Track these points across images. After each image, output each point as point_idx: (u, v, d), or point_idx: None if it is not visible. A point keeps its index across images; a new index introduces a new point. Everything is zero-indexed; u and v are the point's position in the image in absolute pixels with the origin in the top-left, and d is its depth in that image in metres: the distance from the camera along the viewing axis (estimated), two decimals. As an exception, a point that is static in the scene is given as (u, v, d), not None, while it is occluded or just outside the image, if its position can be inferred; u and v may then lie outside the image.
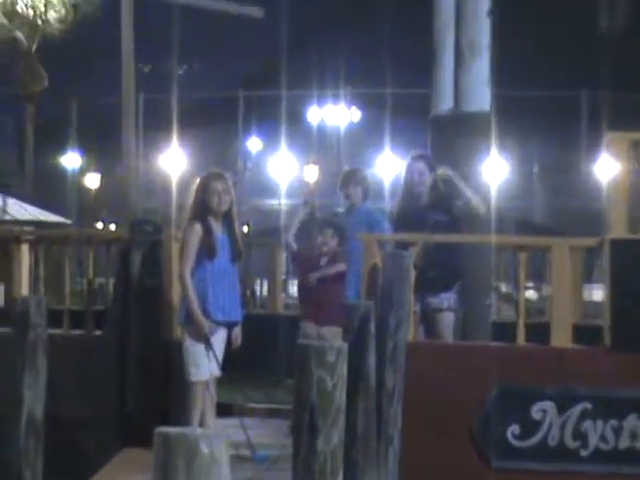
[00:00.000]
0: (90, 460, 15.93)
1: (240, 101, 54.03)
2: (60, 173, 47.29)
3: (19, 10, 63.79)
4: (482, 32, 24.15)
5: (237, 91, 55.08)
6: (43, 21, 63.53)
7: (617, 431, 16.43)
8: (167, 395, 15.74)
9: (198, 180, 16.77)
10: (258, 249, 21.59)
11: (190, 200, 16.40)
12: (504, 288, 19.67)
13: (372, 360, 14.36)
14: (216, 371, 15.73)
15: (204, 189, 16.26)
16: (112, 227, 28.00)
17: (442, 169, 20.62)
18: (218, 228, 15.99)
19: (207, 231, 15.83)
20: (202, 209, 16.05)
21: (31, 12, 64.77)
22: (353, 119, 56.82)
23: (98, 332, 18.61)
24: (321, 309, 16.46)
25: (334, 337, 12.88)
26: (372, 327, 14.56)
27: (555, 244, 18.38)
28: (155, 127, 31.74)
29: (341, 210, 20.34)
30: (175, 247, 16.60)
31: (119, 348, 17.68)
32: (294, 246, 18.91)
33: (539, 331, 17.87)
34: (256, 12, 37.29)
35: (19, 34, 63.81)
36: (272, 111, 42.27)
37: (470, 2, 24.10)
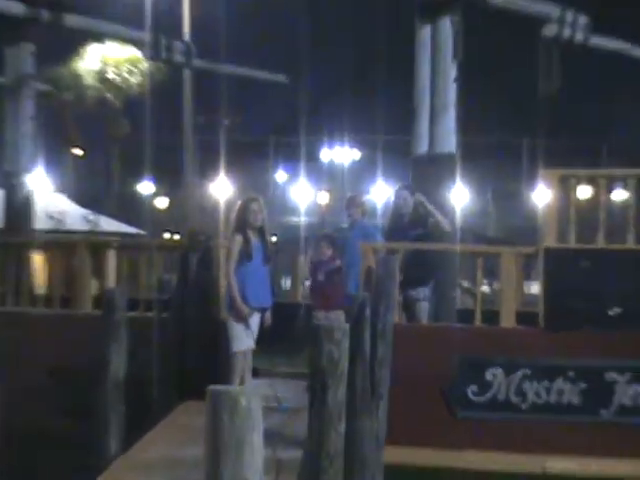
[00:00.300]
0: (159, 409, 16.09)
1: (270, 144, 53.91)
2: (138, 197, 47.15)
3: (109, 77, 63.86)
4: (450, 95, 24.28)
5: (268, 136, 54.81)
6: (127, 85, 63.59)
7: (548, 390, 16.56)
8: (215, 361, 15.85)
9: (239, 202, 17.13)
10: (283, 254, 21.55)
11: (233, 217, 16.71)
12: (466, 284, 19.77)
13: (367, 337, 14.54)
14: (252, 344, 15.99)
15: (244, 209, 16.62)
16: (176, 237, 28.05)
17: (417, 195, 20.83)
18: (254, 238, 16.29)
19: (246, 240, 16.16)
20: (242, 224, 16.36)
21: (118, 79, 64.80)
22: (354, 158, 56.78)
23: (164, 315, 18.73)
24: (327, 300, 16.62)
25: (338, 319, 12.98)
26: (367, 312, 14.76)
27: (504, 251, 18.53)
28: (208, 162, 31.62)
29: (345, 225, 20.67)
30: (222, 252, 16.75)
31: (179, 327, 17.86)
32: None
33: (491, 316, 18.02)
34: (281, 78, 37.04)
35: (109, 95, 63.90)
36: (294, 152, 42.18)
37: (441, 73, 24.21)
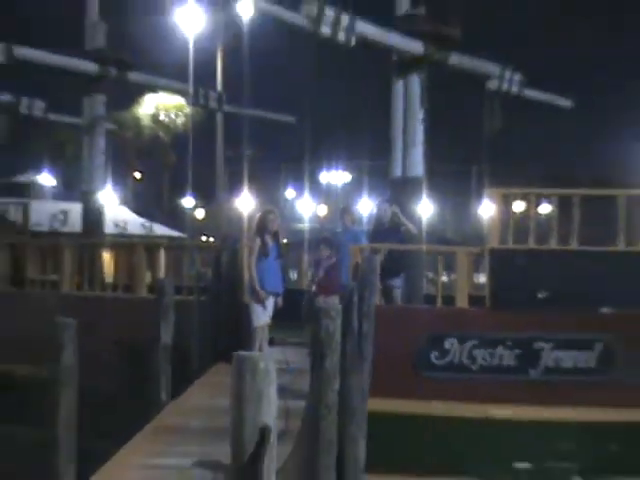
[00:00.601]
0: (197, 370, 16.09)
1: (282, 170, 53.96)
2: (181, 209, 47.13)
3: (161, 119, 63.88)
4: (418, 133, 24.24)
5: (280, 164, 54.76)
6: (174, 125, 63.56)
7: (491, 355, 16.53)
8: (240, 333, 15.84)
9: (259, 213, 17.31)
10: (292, 252, 21.46)
11: (255, 224, 16.83)
12: (430, 275, 19.75)
13: (355, 315, 14.49)
14: (268, 320, 16.09)
15: (263, 218, 16.86)
16: (210, 239, 27.97)
17: (394, 207, 20.81)
18: (270, 240, 16.37)
19: (263, 242, 16.29)
20: (261, 229, 16.51)
21: (167, 120, 64.81)
22: (345, 180, 56.85)
23: (202, 298, 18.72)
24: (326, 289, 16.67)
25: (334, 302, 12.95)
26: (356, 297, 14.72)
27: (458, 250, 18.51)
28: (234, 183, 31.58)
29: (339, 230, 20.64)
30: (245, 251, 16.73)
31: (213, 308, 17.88)
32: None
33: (449, 300, 18.00)
34: (290, 119, 36.94)
35: (160, 133, 63.88)
36: (300, 175, 42.11)
37: (411, 116, 24.18)
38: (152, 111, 65.80)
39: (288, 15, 22.70)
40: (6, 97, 35.39)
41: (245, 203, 25.02)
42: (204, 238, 30.74)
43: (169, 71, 33.83)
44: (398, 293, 19.37)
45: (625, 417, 16.34)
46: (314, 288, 18.01)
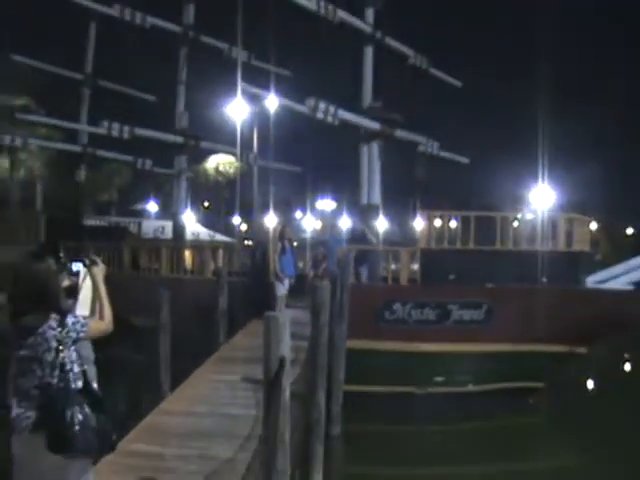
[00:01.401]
0: (242, 322, 16.05)
1: (292, 200, 54.05)
2: (231, 224, 46.97)
3: (220, 169, 63.67)
4: (376, 177, 24.26)
5: (291, 196, 54.87)
6: (228, 174, 63.36)
7: (421, 312, 16.57)
8: (268, 300, 15.79)
9: (280, 227, 17.31)
10: (299, 251, 21.33)
11: (277, 233, 16.78)
12: (384, 265, 19.69)
13: (338, 290, 14.53)
14: (285, 292, 16.01)
15: (282, 230, 16.75)
16: (249, 243, 28.09)
17: (362, 224, 20.81)
18: (287, 244, 16.35)
19: (282, 245, 16.23)
20: (281, 236, 16.43)
21: (223, 169, 64.65)
22: (332, 206, 56.69)
23: (244, 279, 18.70)
24: (321, 276, 16.54)
25: (325, 283, 12.93)
26: (339, 278, 14.77)
27: (403, 250, 18.47)
28: (264, 208, 31.80)
29: (328, 238, 20.54)
30: (271, 250, 16.64)
31: (251, 284, 17.80)
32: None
33: (396, 280, 18.00)
34: (297, 169, 36.95)
35: (220, 178, 63.64)
36: (304, 202, 42.05)
37: (372, 168, 24.21)
38: (215, 165, 65.75)
39: (297, 106, 22.83)
40: (129, 158, 35.52)
41: (270, 220, 25.02)
42: (246, 242, 30.57)
43: (225, 140, 33.81)
44: (365, 276, 19.35)
45: (498, 348, 16.48)
46: (312, 274, 17.99)
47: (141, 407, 10.06)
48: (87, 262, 4.76)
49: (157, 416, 8.57)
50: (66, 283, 4.62)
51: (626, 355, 26.22)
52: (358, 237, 21.45)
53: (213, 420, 8.43)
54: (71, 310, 4.36)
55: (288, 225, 19.43)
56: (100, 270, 4.75)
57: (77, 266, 4.73)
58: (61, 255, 4.53)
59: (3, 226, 30.67)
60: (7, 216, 32.18)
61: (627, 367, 25.62)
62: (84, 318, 4.26)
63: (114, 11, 30.69)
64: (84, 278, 4.73)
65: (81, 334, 4.11)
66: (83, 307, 4.64)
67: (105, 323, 4.48)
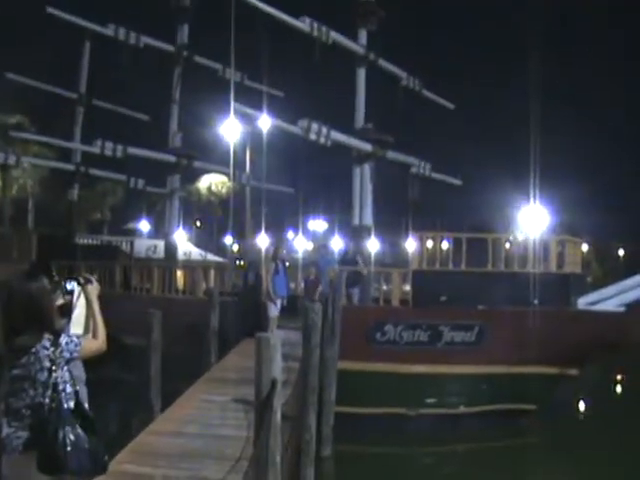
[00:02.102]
0: (233, 342, 16.01)
1: (285, 220, 54.24)
2: (223, 244, 46.91)
3: (213, 189, 63.81)
4: (368, 198, 24.35)
5: (284, 217, 55.07)
6: (220, 193, 63.54)
7: (412, 334, 16.53)
8: (260, 321, 15.78)
9: (274, 247, 17.32)
10: (291, 272, 21.26)
11: (271, 254, 16.80)
12: (376, 286, 19.65)
13: (330, 311, 14.54)
14: (277, 313, 15.98)
15: (275, 250, 16.75)
16: (241, 263, 28.01)
17: (354, 247, 20.87)
18: (280, 264, 16.28)
19: (276, 265, 16.15)
20: (275, 257, 16.42)
21: (215, 189, 64.81)
22: (324, 226, 56.77)
23: (235, 299, 18.66)
24: (312, 297, 16.45)
25: (318, 304, 12.91)
26: (330, 300, 14.78)
27: (393, 271, 18.50)
28: (256, 228, 31.72)
29: (320, 258, 20.41)
30: (264, 271, 16.64)
31: (243, 305, 17.77)
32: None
33: (387, 301, 17.97)
34: (289, 190, 37.05)
35: (212, 198, 63.89)
36: (296, 223, 42.12)
37: (365, 188, 24.30)
38: (207, 185, 65.88)
39: (290, 127, 22.89)
40: (121, 177, 35.57)
41: (262, 241, 25.03)
42: (237, 262, 30.56)
43: (218, 160, 33.93)
44: (356, 297, 19.31)
45: (490, 370, 16.47)
46: (305, 296, 17.92)
47: (131, 427, 10.03)
48: (81, 281, 4.75)
49: (147, 436, 8.54)
50: (60, 302, 4.62)
51: (618, 377, 26.21)
52: (350, 258, 21.42)
53: (204, 441, 8.40)
54: (64, 329, 4.36)
55: (281, 245, 19.46)
56: (94, 289, 4.74)
57: (71, 285, 4.73)
58: (53, 274, 4.54)
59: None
60: (-1, 234, 32.08)
61: (619, 389, 25.62)
62: (77, 337, 4.26)
63: (109, 31, 30.82)
64: (78, 296, 4.73)
65: (74, 354, 4.12)
66: (77, 326, 4.64)
67: (99, 342, 4.48)
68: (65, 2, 31.87)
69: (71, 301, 4.71)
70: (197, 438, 8.50)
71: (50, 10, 30.23)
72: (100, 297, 4.76)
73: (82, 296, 4.73)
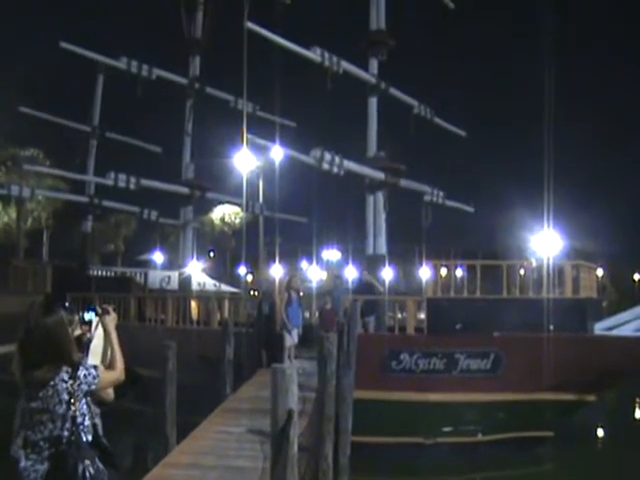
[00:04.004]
0: (249, 373, 15.98)
1: (299, 250, 54.21)
2: (237, 275, 46.95)
3: (226, 220, 64.00)
4: (382, 226, 24.36)
5: (298, 246, 54.92)
6: (234, 224, 63.67)
7: (428, 362, 16.48)
8: (275, 351, 15.75)
9: (288, 277, 17.29)
10: (306, 301, 21.17)
11: (285, 283, 16.78)
12: (391, 314, 19.58)
13: (345, 341, 14.48)
14: (294, 342, 15.95)
15: (289, 280, 16.69)
16: (256, 293, 27.97)
17: (367, 275, 20.88)
18: (294, 294, 16.27)
19: (289, 295, 16.13)
20: (289, 287, 16.39)
21: (229, 219, 64.94)
22: (337, 256, 56.67)
23: (250, 330, 18.64)
24: (327, 327, 16.31)
25: (333, 335, 12.87)
26: (346, 328, 14.73)
27: (408, 299, 18.49)
28: (270, 259, 31.76)
29: (333, 288, 20.37)
30: (279, 301, 16.64)
31: (258, 335, 17.76)
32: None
33: (402, 329, 17.91)
34: (303, 219, 36.92)
35: (226, 228, 63.99)
36: (310, 253, 42.02)
37: (378, 217, 24.34)
38: (220, 215, 66.12)
39: (302, 157, 22.96)
40: (135, 208, 35.71)
41: (276, 271, 25.06)
42: (252, 293, 30.58)
43: (231, 190, 34.14)
44: (372, 325, 19.24)
45: (507, 398, 16.39)
46: (320, 326, 17.83)
47: (147, 459, 10.02)
48: (99, 311, 4.81)
49: (163, 469, 8.53)
50: (77, 332, 4.66)
51: (636, 401, 25.99)
52: (364, 287, 21.38)
53: (219, 473, 8.38)
54: (82, 362, 4.38)
55: (297, 276, 19.51)
56: (112, 319, 4.79)
57: (89, 315, 4.78)
58: (68, 305, 4.56)
59: (10, 276, 30.76)
60: (14, 266, 32.19)
61: (638, 414, 25.38)
62: (95, 369, 4.28)
63: (121, 64, 31.10)
64: (96, 327, 4.78)
65: (92, 386, 4.14)
66: (94, 356, 4.67)
67: (117, 373, 4.51)
68: (78, 36, 32.25)
69: (88, 331, 4.76)
70: (213, 470, 8.48)
71: (64, 45, 30.52)
72: (116, 328, 4.79)
73: (100, 327, 4.78)
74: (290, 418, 5.27)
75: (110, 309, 4.88)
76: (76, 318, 4.64)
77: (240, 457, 9.11)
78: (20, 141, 45.19)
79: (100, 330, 4.76)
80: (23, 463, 3.96)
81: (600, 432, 21.26)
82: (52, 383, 4.00)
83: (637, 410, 25.75)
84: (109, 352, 4.65)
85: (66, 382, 4.02)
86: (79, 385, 4.05)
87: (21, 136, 43.24)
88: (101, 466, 3.99)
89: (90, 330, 4.78)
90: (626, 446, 18.15)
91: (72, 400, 3.99)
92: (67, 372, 4.05)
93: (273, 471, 5.26)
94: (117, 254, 59.30)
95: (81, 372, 4.11)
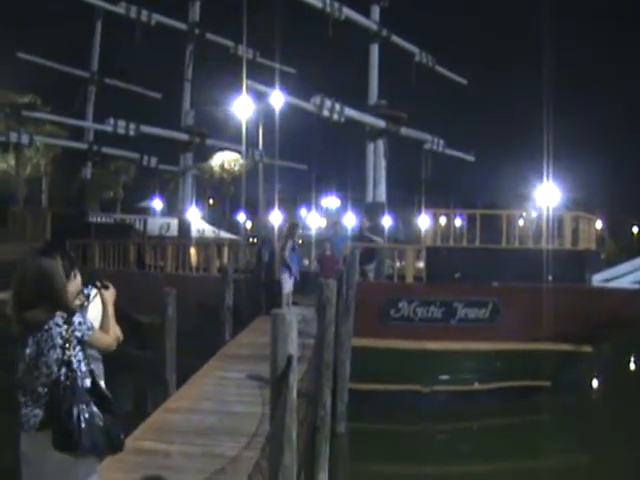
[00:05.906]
0: (247, 319, 16.01)
1: (298, 198, 54.17)
2: (236, 222, 46.97)
3: (226, 167, 63.62)
4: (382, 173, 24.21)
5: (297, 194, 54.84)
6: (233, 171, 63.36)
7: (427, 310, 16.45)
8: (274, 297, 15.77)
9: (288, 225, 17.30)
10: (305, 248, 21.18)
11: (285, 231, 16.79)
12: (390, 262, 19.59)
13: (344, 288, 14.49)
14: (291, 289, 15.98)
15: (290, 227, 16.68)
16: (255, 240, 27.98)
17: (365, 221, 20.80)
18: (294, 241, 16.26)
19: (292, 241, 16.13)
20: (289, 235, 16.42)
21: (228, 166, 64.61)
22: (337, 203, 56.61)
23: (249, 276, 18.64)
24: (327, 274, 16.31)
25: (332, 281, 12.87)
26: (344, 276, 14.72)
27: (407, 247, 18.42)
28: (269, 205, 31.87)
29: (332, 234, 20.35)
30: (278, 247, 16.61)
31: (257, 281, 17.77)
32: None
33: (401, 277, 17.89)
34: (303, 166, 36.81)
35: (225, 175, 63.64)
36: (309, 201, 42.06)
37: (378, 164, 24.17)
38: (220, 162, 65.72)
39: (303, 104, 22.72)
40: (134, 155, 35.49)
41: (276, 218, 25.02)
42: (251, 239, 30.62)
43: (231, 137, 33.92)
44: (371, 274, 19.26)
45: (504, 347, 16.42)
46: (320, 273, 17.82)
47: (147, 404, 10.07)
48: (99, 284, 4.88)
49: (163, 414, 8.56)
50: (77, 302, 4.66)
51: (631, 354, 26.13)
52: (364, 235, 21.33)
53: (219, 418, 8.41)
54: (80, 312, 4.33)
55: (297, 224, 19.49)
56: (110, 294, 4.84)
57: (89, 289, 4.91)
58: (68, 252, 4.52)
59: (9, 223, 30.71)
60: (13, 214, 32.10)
61: (632, 366, 25.54)
62: (92, 324, 4.27)
63: (120, 9, 30.58)
64: (94, 297, 4.85)
65: (85, 337, 4.08)
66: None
67: (110, 339, 4.51)
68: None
69: (86, 301, 4.84)
70: (212, 415, 8.52)
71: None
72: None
73: (98, 299, 4.88)
74: (289, 364, 5.22)
75: (109, 284, 4.94)
76: (77, 273, 4.59)
77: (239, 402, 9.15)
78: (18, 88, 44.66)
79: (98, 302, 4.83)
80: (23, 409, 3.97)
81: (595, 382, 21.39)
82: (46, 327, 3.96)
83: (631, 362, 25.88)
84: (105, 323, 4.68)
85: (60, 326, 3.97)
86: (73, 331, 4.00)
87: (19, 82, 42.72)
88: (96, 410, 3.96)
89: (87, 300, 4.88)
90: (620, 396, 18.28)
91: (67, 345, 3.95)
92: (62, 317, 4.00)
93: (272, 416, 5.24)
94: (116, 201, 59.07)
95: (77, 319, 4.06)
